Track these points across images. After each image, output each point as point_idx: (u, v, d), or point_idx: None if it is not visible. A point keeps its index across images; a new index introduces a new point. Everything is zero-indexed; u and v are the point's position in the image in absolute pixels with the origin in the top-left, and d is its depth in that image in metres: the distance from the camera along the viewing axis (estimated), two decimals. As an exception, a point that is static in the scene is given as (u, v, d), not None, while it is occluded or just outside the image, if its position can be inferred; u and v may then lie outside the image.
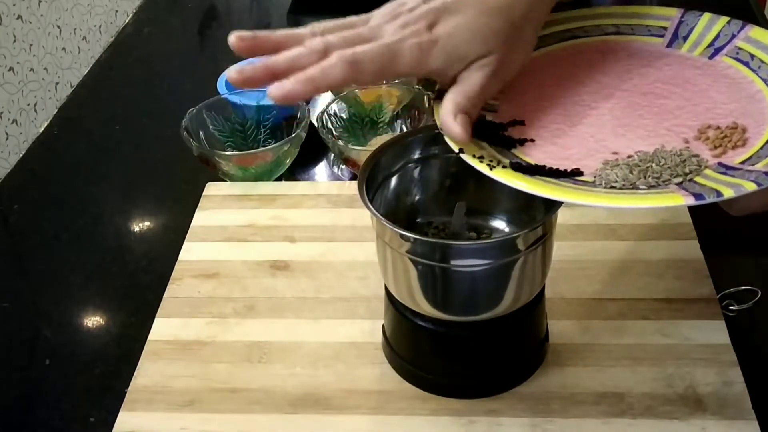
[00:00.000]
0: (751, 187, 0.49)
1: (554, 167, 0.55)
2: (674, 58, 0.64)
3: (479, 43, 0.55)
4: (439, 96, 0.58)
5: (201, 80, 1.07)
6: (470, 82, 0.56)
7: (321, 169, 0.93)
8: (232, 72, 0.55)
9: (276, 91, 0.53)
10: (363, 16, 0.58)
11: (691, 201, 0.49)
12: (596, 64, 0.64)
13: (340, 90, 0.95)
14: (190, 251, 0.80)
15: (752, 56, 0.62)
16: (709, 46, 0.65)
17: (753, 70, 0.61)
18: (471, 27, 0.55)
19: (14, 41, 1.76)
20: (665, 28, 0.66)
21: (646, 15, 0.67)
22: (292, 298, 0.74)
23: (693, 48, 0.65)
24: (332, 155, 0.93)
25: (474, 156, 0.55)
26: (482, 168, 0.54)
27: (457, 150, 0.55)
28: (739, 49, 0.63)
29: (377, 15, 0.58)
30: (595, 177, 0.54)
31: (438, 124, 0.56)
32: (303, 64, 0.54)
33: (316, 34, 0.57)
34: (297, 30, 0.58)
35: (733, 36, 0.64)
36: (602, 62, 0.64)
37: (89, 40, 2.05)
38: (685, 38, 0.65)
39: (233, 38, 0.56)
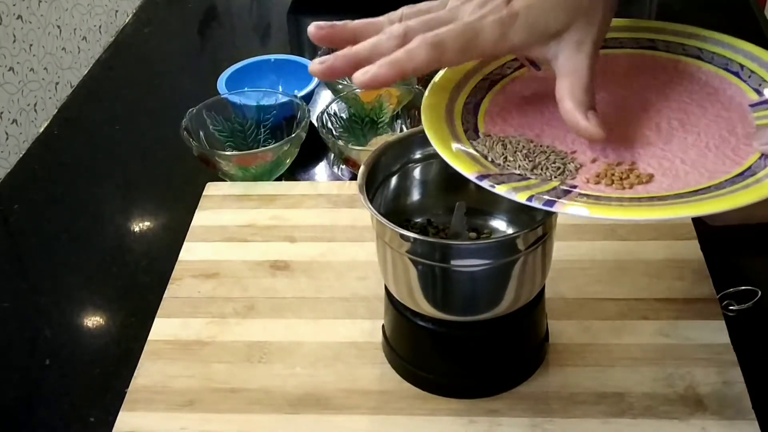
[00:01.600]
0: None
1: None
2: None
3: (561, 13, 0.54)
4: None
5: (201, 80, 1.07)
6: (576, 69, 0.55)
7: (321, 169, 0.93)
8: (315, 64, 0.54)
9: (361, 76, 0.52)
10: (440, 1, 0.58)
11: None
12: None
13: (340, 90, 0.95)
14: (190, 251, 0.80)
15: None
16: None
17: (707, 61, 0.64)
18: None
19: (14, 41, 1.76)
20: (518, 60, 0.65)
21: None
22: (292, 298, 0.74)
23: None
24: (332, 155, 0.93)
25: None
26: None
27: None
28: None
29: None
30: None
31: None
32: (385, 50, 0.53)
33: (393, 21, 0.56)
34: (374, 19, 0.57)
35: None
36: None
37: (89, 40, 2.05)
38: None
39: (312, 28, 0.56)
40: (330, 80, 0.55)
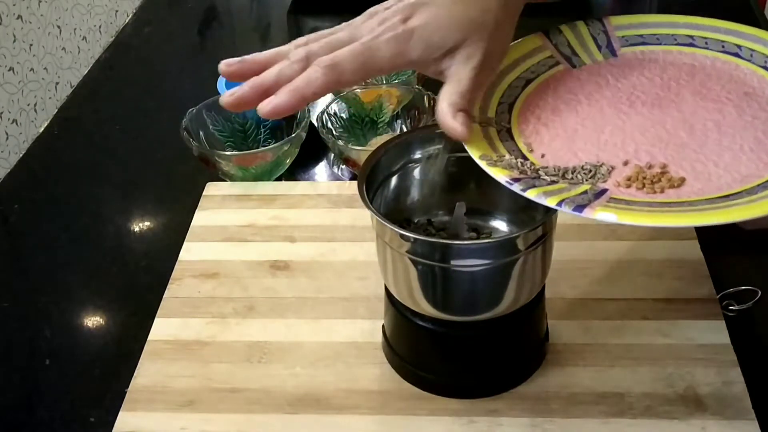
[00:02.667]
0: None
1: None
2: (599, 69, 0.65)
3: (455, 29, 0.56)
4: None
5: (201, 80, 1.07)
6: (459, 78, 0.56)
7: (321, 169, 0.93)
8: (225, 96, 0.56)
9: (265, 107, 0.54)
10: (345, 23, 0.59)
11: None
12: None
13: (340, 90, 0.95)
14: (190, 251, 0.80)
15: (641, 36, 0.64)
16: (599, 48, 0.66)
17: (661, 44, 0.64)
18: (445, 15, 0.56)
19: (14, 41, 1.76)
20: (552, 57, 0.66)
21: (522, 57, 0.66)
22: (292, 298, 0.74)
23: (591, 57, 0.65)
24: (332, 155, 0.93)
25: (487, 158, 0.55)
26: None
27: (477, 158, 0.55)
28: (624, 37, 0.65)
29: (357, 19, 0.59)
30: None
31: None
32: (288, 76, 0.55)
33: (299, 45, 0.57)
34: (282, 47, 0.58)
35: (605, 31, 0.66)
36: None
37: (89, 40, 2.05)
38: (576, 54, 0.66)
39: (222, 66, 0.58)
40: (240, 111, 0.56)
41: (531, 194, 0.52)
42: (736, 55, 0.63)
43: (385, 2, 0.59)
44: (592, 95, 0.62)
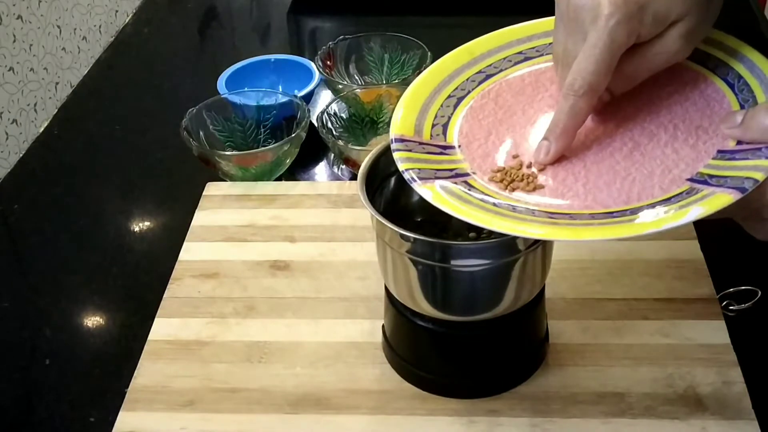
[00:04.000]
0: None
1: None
2: None
3: (680, 2, 0.54)
4: None
5: (201, 80, 1.07)
6: (665, 42, 0.55)
7: (321, 169, 0.93)
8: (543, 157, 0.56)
9: (545, 157, 0.56)
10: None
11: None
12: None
13: (340, 90, 0.95)
14: (190, 251, 0.80)
15: None
16: None
17: None
18: None
19: (14, 41, 1.76)
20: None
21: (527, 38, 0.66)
22: (292, 298, 0.74)
23: None
24: (332, 155, 0.93)
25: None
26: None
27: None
28: None
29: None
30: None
31: None
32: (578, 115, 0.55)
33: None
34: None
35: None
36: None
37: (89, 40, 2.05)
38: None
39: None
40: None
41: (398, 156, 0.56)
42: (731, 86, 0.60)
43: None
44: (556, 95, 0.61)
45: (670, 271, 0.73)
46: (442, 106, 0.62)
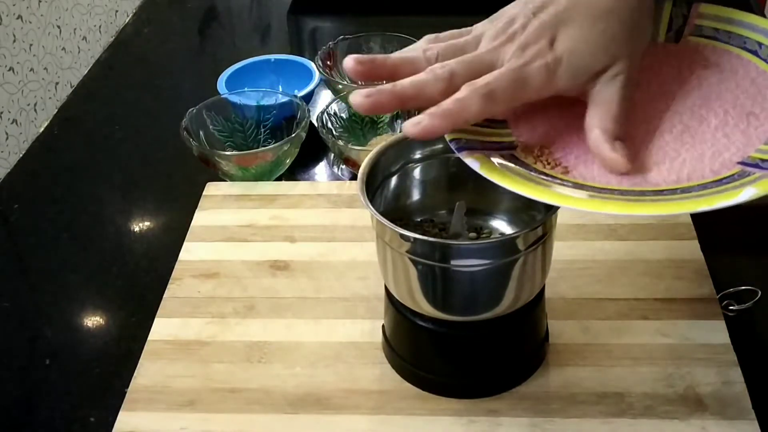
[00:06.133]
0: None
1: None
2: (649, 49, 0.62)
3: (601, 52, 0.54)
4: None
5: (201, 80, 1.07)
6: (609, 101, 0.54)
7: (321, 169, 0.93)
8: (358, 97, 0.53)
9: (413, 128, 0.52)
10: (471, 35, 0.57)
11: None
12: None
13: (340, 90, 0.95)
14: (190, 251, 0.80)
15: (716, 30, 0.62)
16: (668, 30, 0.64)
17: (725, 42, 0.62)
18: (589, 38, 0.54)
19: (14, 41, 1.76)
20: None
21: None
22: (292, 298, 0.74)
23: (654, 36, 0.64)
24: (332, 155, 0.93)
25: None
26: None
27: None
28: (700, 26, 0.63)
29: (487, 36, 0.56)
30: None
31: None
32: (431, 93, 0.53)
33: (431, 59, 0.56)
34: (410, 53, 0.57)
35: (686, 16, 0.64)
36: None
37: (89, 40, 2.05)
38: None
39: (351, 62, 0.56)
40: (372, 114, 0.55)
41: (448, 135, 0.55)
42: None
43: (516, 17, 0.56)
44: None
45: (670, 271, 0.73)
46: None
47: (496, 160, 0.54)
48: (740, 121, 0.56)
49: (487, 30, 0.57)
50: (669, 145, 0.55)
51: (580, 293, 0.72)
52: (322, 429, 0.63)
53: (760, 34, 0.61)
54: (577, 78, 0.54)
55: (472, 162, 0.53)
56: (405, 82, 0.54)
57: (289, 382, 0.66)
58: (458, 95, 0.52)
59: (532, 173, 0.53)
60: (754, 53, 0.61)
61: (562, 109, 0.59)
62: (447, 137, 0.56)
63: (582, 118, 0.56)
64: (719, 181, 0.52)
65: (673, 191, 0.52)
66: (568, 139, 0.57)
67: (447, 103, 0.52)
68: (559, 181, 0.53)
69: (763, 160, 0.52)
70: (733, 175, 0.52)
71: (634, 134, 0.56)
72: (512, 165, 0.54)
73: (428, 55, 0.57)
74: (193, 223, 0.83)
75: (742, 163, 0.53)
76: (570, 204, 0.50)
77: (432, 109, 0.52)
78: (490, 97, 0.52)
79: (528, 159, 0.55)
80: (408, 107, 0.54)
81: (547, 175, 0.54)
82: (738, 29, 0.63)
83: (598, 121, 0.54)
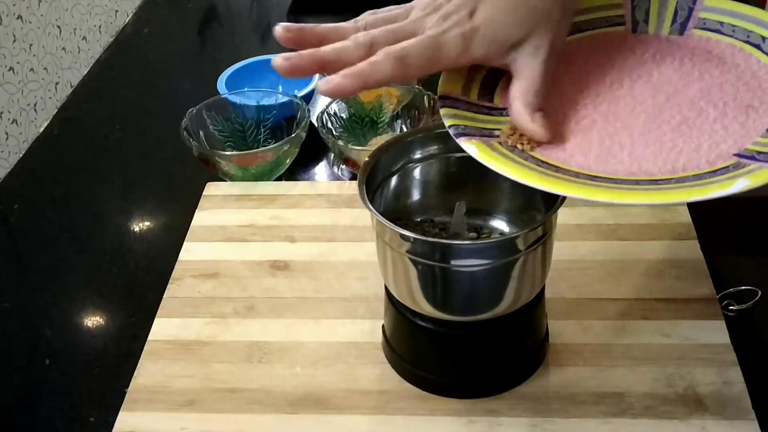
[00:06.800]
0: None
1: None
2: (653, 40, 0.63)
3: (519, 23, 0.55)
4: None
5: (201, 80, 1.07)
6: (529, 73, 0.56)
7: (321, 169, 0.93)
8: (279, 59, 0.55)
9: (324, 85, 0.54)
10: (403, 8, 0.59)
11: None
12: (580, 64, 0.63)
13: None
14: (190, 251, 0.80)
15: (721, 23, 0.62)
16: (673, 23, 0.64)
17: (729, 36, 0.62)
18: (507, 9, 0.55)
19: (14, 41, 1.76)
20: (622, 16, 0.65)
21: (595, 8, 0.66)
22: (292, 298, 0.74)
23: (659, 28, 0.64)
24: (332, 155, 0.93)
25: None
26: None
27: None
28: (704, 19, 0.63)
29: (417, 7, 0.58)
30: None
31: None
32: (350, 58, 0.55)
33: (359, 28, 0.58)
34: (341, 24, 0.58)
35: (691, 9, 0.64)
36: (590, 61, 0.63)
37: (89, 40, 2.05)
38: (646, 21, 0.65)
39: (279, 29, 0.57)
40: (291, 77, 0.57)
41: (444, 112, 0.56)
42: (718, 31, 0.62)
43: None
44: (612, 63, 0.62)
45: (670, 271, 0.73)
46: (488, 70, 0.61)
47: (493, 146, 0.55)
48: (739, 113, 0.56)
49: (417, 3, 0.59)
50: (666, 135, 0.56)
51: (580, 293, 0.72)
52: (322, 429, 0.63)
53: (764, 28, 0.61)
54: (493, 48, 0.56)
55: (470, 148, 0.54)
56: (327, 48, 0.56)
57: (289, 382, 0.66)
58: (372, 58, 0.54)
59: (529, 161, 0.54)
60: (757, 47, 0.61)
61: (561, 98, 0.59)
62: (446, 123, 0.56)
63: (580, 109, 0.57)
64: (714, 172, 0.52)
65: (668, 181, 0.52)
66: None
67: (360, 65, 0.54)
68: (554, 168, 0.53)
69: (759, 152, 0.52)
70: (728, 166, 0.52)
71: (633, 125, 0.56)
72: (509, 152, 0.54)
73: (357, 25, 0.58)
74: (193, 223, 0.83)
75: (738, 154, 0.53)
76: (563, 190, 0.51)
77: (345, 70, 0.54)
78: (403, 61, 0.54)
79: (525, 147, 0.56)
80: (327, 71, 0.55)
81: (543, 162, 0.54)
82: (742, 23, 0.63)
83: (520, 94, 0.56)
